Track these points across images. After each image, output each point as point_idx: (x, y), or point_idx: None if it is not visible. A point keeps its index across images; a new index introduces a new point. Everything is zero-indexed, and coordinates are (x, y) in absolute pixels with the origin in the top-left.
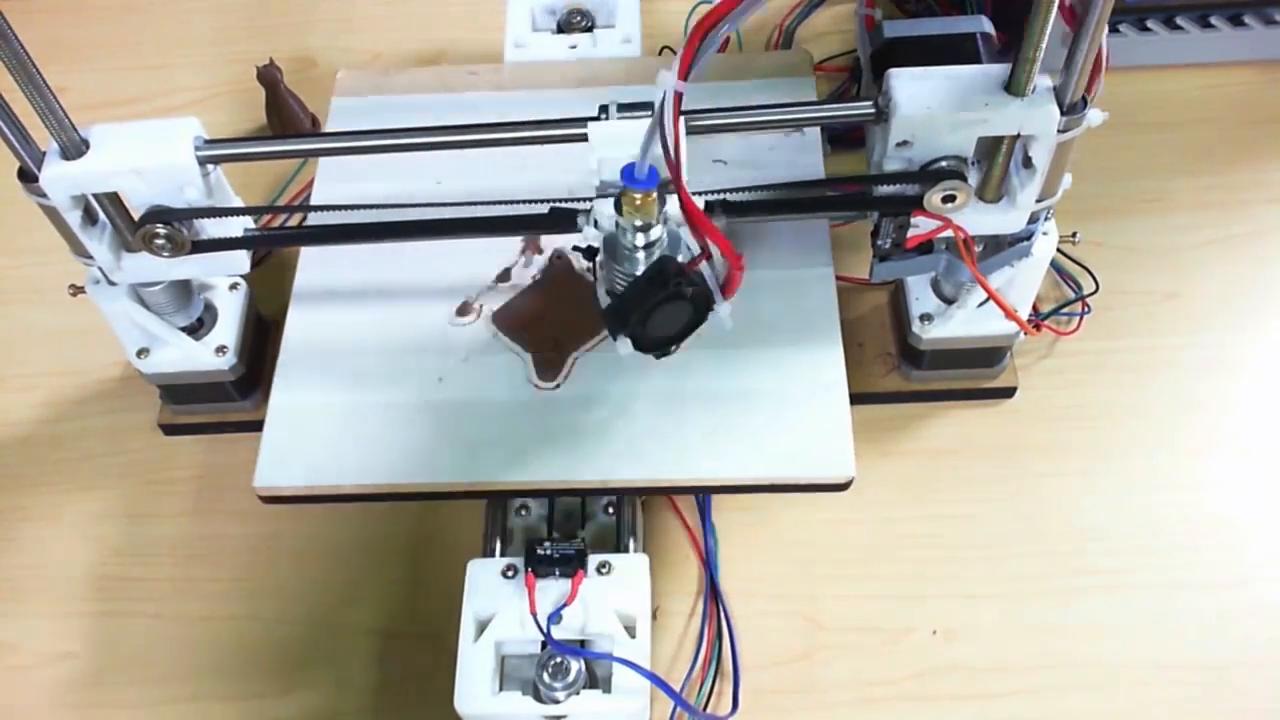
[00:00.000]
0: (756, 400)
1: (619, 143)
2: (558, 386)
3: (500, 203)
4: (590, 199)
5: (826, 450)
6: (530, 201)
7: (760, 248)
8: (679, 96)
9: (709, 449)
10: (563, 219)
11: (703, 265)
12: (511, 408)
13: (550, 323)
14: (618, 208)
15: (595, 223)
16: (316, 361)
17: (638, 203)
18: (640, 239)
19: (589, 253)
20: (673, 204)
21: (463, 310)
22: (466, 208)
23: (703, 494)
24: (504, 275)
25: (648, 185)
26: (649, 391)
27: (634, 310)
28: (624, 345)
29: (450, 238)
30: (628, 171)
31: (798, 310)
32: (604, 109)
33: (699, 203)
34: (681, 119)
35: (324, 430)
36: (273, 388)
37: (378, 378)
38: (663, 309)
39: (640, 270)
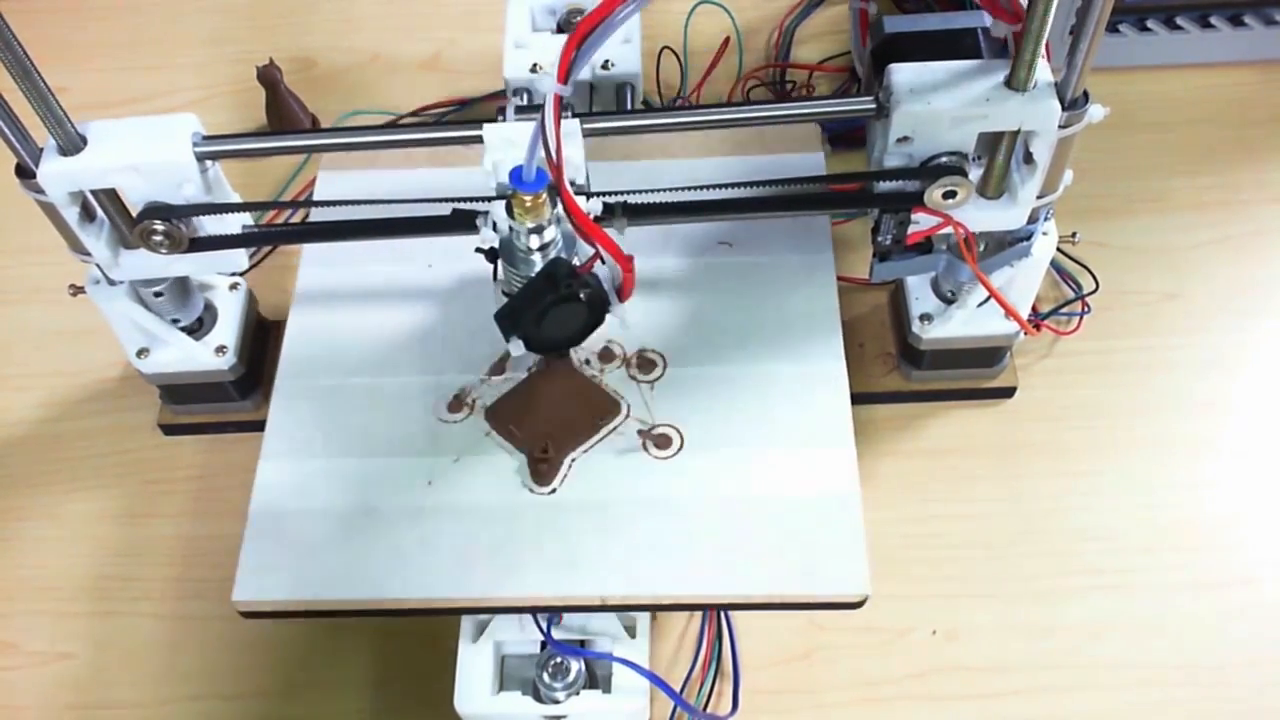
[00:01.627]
0: (765, 509)
1: (512, 144)
2: (553, 491)
3: (433, 200)
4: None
5: (839, 567)
6: (437, 201)
7: (767, 339)
8: (559, 99)
9: (715, 563)
10: (463, 221)
11: (598, 267)
12: (504, 514)
13: (546, 421)
14: (509, 210)
15: (493, 225)
16: (301, 465)
17: (527, 205)
18: (534, 241)
19: (489, 255)
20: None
21: (455, 406)
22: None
23: (709, 610)
24: (498, 366)
25: (535, 187)
26: (650, 497)
27: (525, 311)
28: (516, 346)
29: (428, 235)
30: (515, 174)
31: (807, 410)
32: (501, 110)
33: (596, 205)
34: (576, 120)
35: (307, 540)
36: (254, 492)
37: (365, 481)
38: (555, 310)
39: (530, 272)
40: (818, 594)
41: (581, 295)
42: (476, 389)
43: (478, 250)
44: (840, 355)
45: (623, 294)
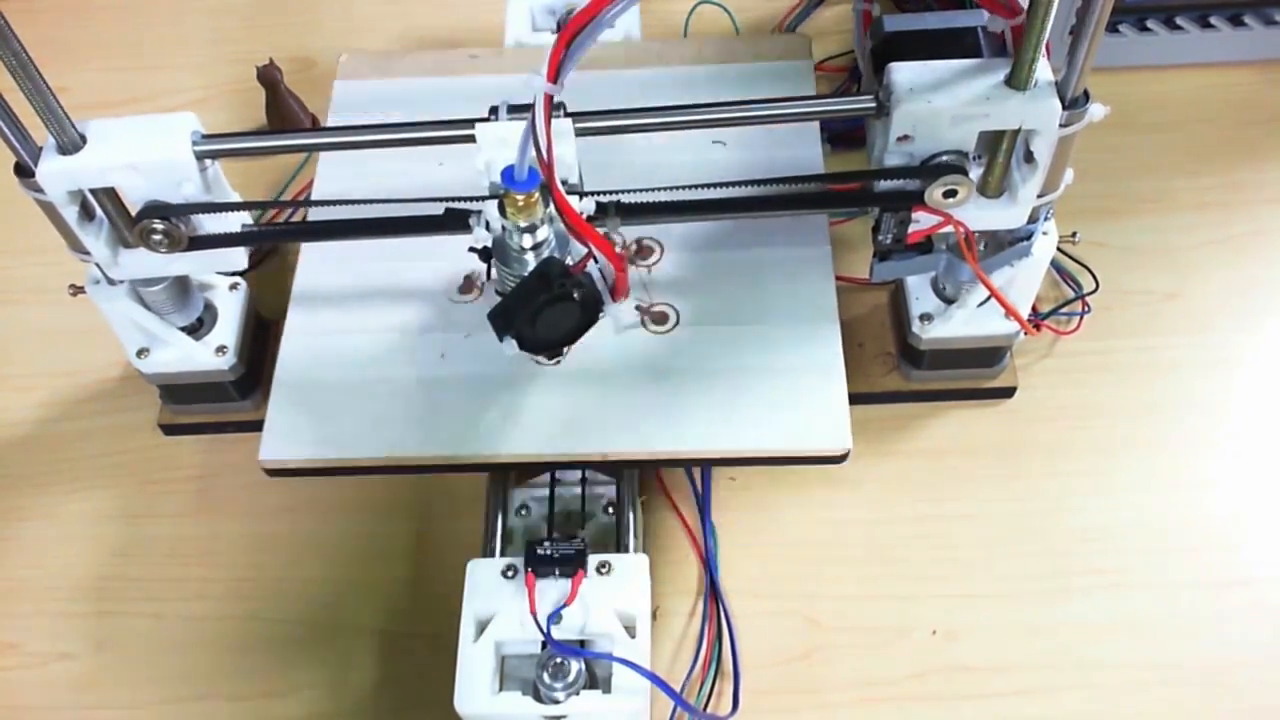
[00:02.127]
0: (754, 376)
1: (505, 144)
2: (558, 362)
3: (426, 200)
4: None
5: (823, 423)
6: (430, 200)
7: (759, 228)
8: (549, 98)
9: (707, 422)
10: (456, 220)
11: (591, 267)
12: (513, 383)
13: None
14: (501, 209)
15: (486, 224)
16: (320, 341)
17: (520, 204)
18: (526, 240)
19: (483, 254)
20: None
21: (465, 288)
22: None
23: (701, 465)
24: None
25: (527, 187)
26: (648, 368)
27: (520, 311)
28: (509, 346)
29: (421, 235)
30: (507, 173)
31: (795, 291)
32: (494, 110)
33: (589, 205)
34: (568, 120)
35: (328, 405)
36: (277, 363)
37: (380, 354)
38: (550, 310)
39: (528, 272)
40: (804, 448)
41: (575, 294)
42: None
43: (471, 250)
44: (826, 240)
45: (616, 293)
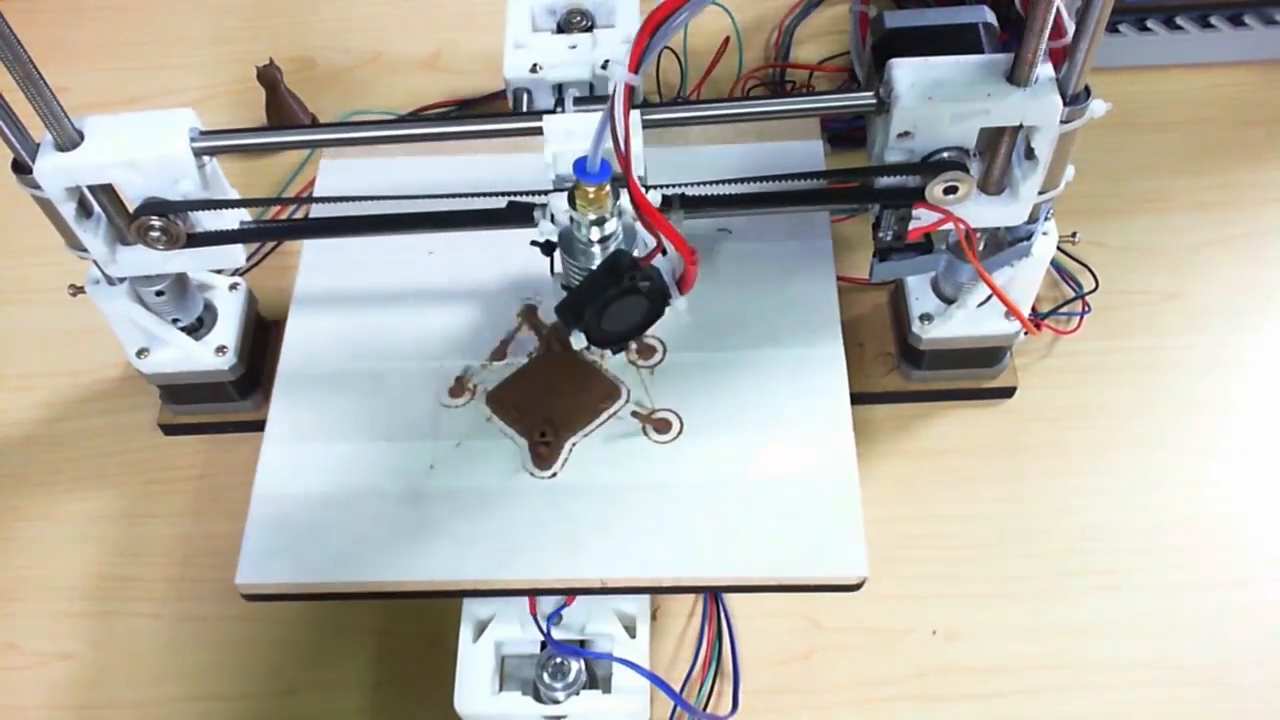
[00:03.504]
0: (764, 492)
1: (573, 136)
2: (554, 475)
3: (488, 194)
4: (548, 193)
5: (838, 549)
6: (491, 195)
7: (765, 324)
8: (629, 89)
9: (714, 546)
10: (520, 213)
11: (659, 259)
12: (505, 497)
13: (546, 405)
14: (571, 202)
15: (551, 217)
16: (303, 448)
17: (590, 196)
18: (595, 233)
19: (546, 247)
20: (627, 198)
21: (456, 391)
22: (460, 200)
23: (709, 593)
24: (500, 351)
25: (599, 178)
26: (650, 482)
27: (588, 304)
28: (578, 339)
29: (434, 230)
30: (580, 165)
31: (806, 394)
32: (560, 101)
33: (655, 197)
34: (636, 112)
35: (309, 524)
36: (256, 478)
37: (366, 466)
38: (617, 303)
39: (593, 264)
40: (817, 576)
41: (643, 287)
42: (478, 374)
43: (533, 243)
44: (839, 340)
45: (684, 285)
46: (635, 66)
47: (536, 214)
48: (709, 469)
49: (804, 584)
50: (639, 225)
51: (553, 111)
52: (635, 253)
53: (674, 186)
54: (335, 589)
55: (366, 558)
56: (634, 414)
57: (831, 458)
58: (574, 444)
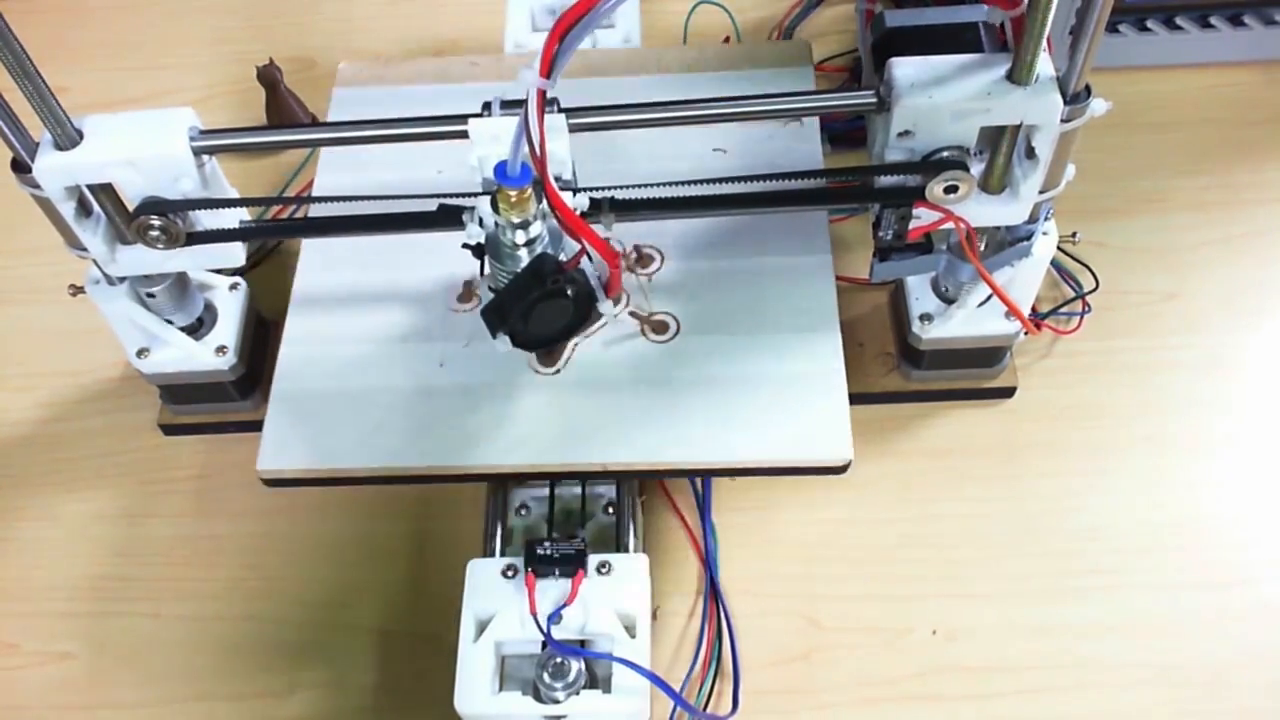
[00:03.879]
0: (755, 385)
1: (498, 140)
2: (558, 372)
3: (422, 196)
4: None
5: (825, 433)
6: (432, 196)
7: (758, 235)
8: (542, 94)
9: (708, 433)
10: (449, 216)
11: (584, 263)
12: (512, 392)
13: None
14: (494, 205)
15: (479, 220)
16: (319, 349)
17: (512, 200)
18: (520, 236)
19: (476, 250)
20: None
21: (464, 296)
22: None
23: (702, 477)
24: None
25: (519, 182)
26: (648, 377)
27: (512, 307)
28: (503, 343)
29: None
30: (500, 169)
31: (796, 299)
32: (487, 105)
33: (582, 201)
34: (562, 115)
35: (326, 415)
36: (275, 373)
37: (379, 364)
38: (542, 306)
39: (521, 268)
40: (805, 458)
41: (568, 291)
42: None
43: (464, 246)
44: (828, 247)
45: (610, 289)
46: (546, 71)
47: (465, 217)
48: (703, 365)
49: (793, 466)
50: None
51: (478, 115)
52: (561, 256)
53: (605, 189)
54: (351, 474)
55: (380, 445)
56: (633, 315)
57: (819, 353)
58: (576, 344)
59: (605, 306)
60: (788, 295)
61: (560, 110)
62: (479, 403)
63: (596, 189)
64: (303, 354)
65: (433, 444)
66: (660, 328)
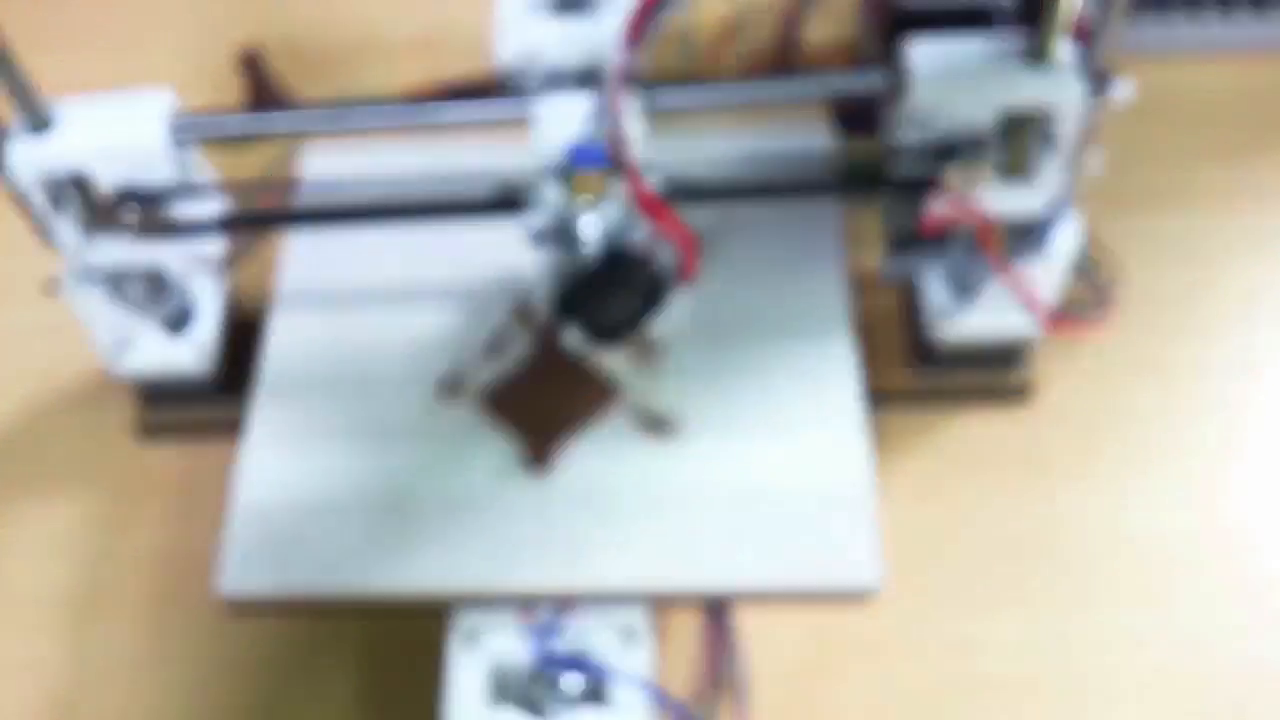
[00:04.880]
0: (770, 498)
1: (568, 120)
2: (549, 479)
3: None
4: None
5: (850, 557)
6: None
7: (770, 321)
8: (623, 71)
9: (718, 553)
10: (508, 200)
11: (658, 250)
12: (500, 502)
13: (542, 405)
14: (565, 189)
15: (544, 205)
16: (287, 451)
17: (586, 183)
18: (590, 221)
19: (539, 237)
20: (622, 185)
21: (450, 390)
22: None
23: (711, 603)
24: (493, 349)
25: (595, 164)
26: (650, 485)
27: (584, 296)
28: (573, 334)
29: (418, 221)
30: (574, 150)
31: (816, 396)
32: (555, 84)
33: (654, 185)
34: (634, 95)
35: (295, 530)
36: (237, 484)
37: (355, 469)
38: (614, 295)
39: (589, 254)
40: (827, 585)
41: (642, 278)
42: (471, 374)
43: (525, 233)
44: (847, 336)
45: (684, 275)
46: (635, 40)
47: (527, 200)
48: (712, 473)
49: (812, 593)
50: (636, 214)
51: (547, 95)
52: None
53: (674, 174)
54: (322, 598)
55: (355, 565)
56: (633, 414)
57: (842, 459)
58: (570, 447)
59: (679, 293)
60: (804, 389)
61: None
62: (462, 515)
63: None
64: (270, 457)
65: (412, 567)
66: (664, 428)
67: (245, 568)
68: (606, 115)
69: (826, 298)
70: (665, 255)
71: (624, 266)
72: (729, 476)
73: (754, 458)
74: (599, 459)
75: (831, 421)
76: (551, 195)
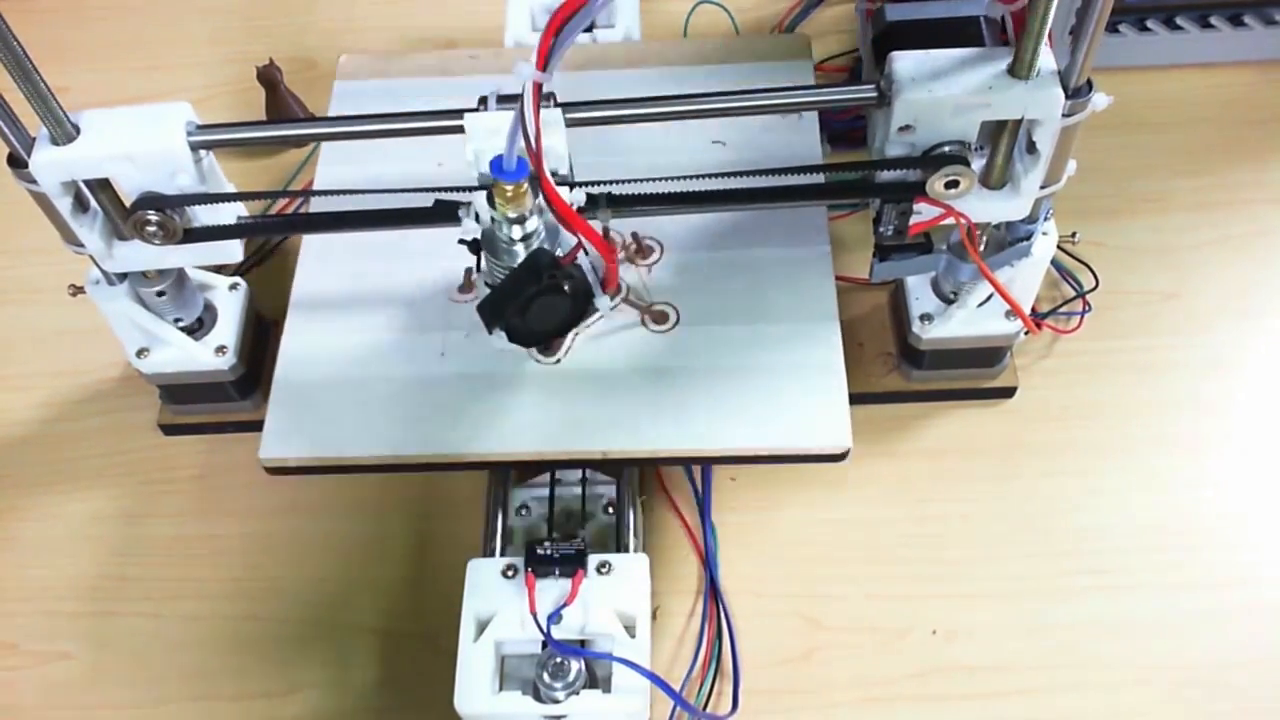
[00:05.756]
0: (755, 375)
1: (495, 134)
2: (558, 361)
3: (417, 191)
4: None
5: (823, 422)
6: (421, 191)
7: (759, 227)
8: (538, 86)
9: (707, 421)
10: (446, 212)
11: (581, 258)
12: (512, 381)
13: None
14: (490, 200)
15: (476, 215)
16: (320, 341)
17: (508, 194)
18: (516, 231)
19: (473, 246)
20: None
21: (465, 287)
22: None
23: (701, 464)
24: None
25: (515, 177)
26: (648, 367)
27: (509, 302)
28: (499, 339)
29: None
30: (496, 164)
31: (796, 290)
32: (484, 100)
33: (579, 196)
34: (558, 110)
35: (328, 404)
36: (277, 363)
37: (380, 353)
38: (539, 302)
39: (511, 263)
40: (804, 446)
41: (565, 286)
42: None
43: (460, 241)
44: (826, 240)
45: (607, 284)
46: (543, 64)
47: (461, 212)
48: (703, 355)
49: (792, 454)
50: (560, 224)
51: (474, 110)
52: (558, 251)
53: (602, 184)
54: (353, 462)
55: (382, 434)
56: (633, 305)
57: (818, 343)
58: (576, 334)
59: (602, 301)
60: (787, 287)
61: (557, 104)
62: (480, 392)
63: (593, 183)
64: (304, 345)
65: (434, 433)
66: (660, 318)
67: (283, 438)
68: (521, 129)
69: (811, 215)
70: (590, 263)
71: (545, 274)
72: (718, 358)
73: (740, 341)
74: (602, 345)
75: (809, 311)
76: (481, 206)
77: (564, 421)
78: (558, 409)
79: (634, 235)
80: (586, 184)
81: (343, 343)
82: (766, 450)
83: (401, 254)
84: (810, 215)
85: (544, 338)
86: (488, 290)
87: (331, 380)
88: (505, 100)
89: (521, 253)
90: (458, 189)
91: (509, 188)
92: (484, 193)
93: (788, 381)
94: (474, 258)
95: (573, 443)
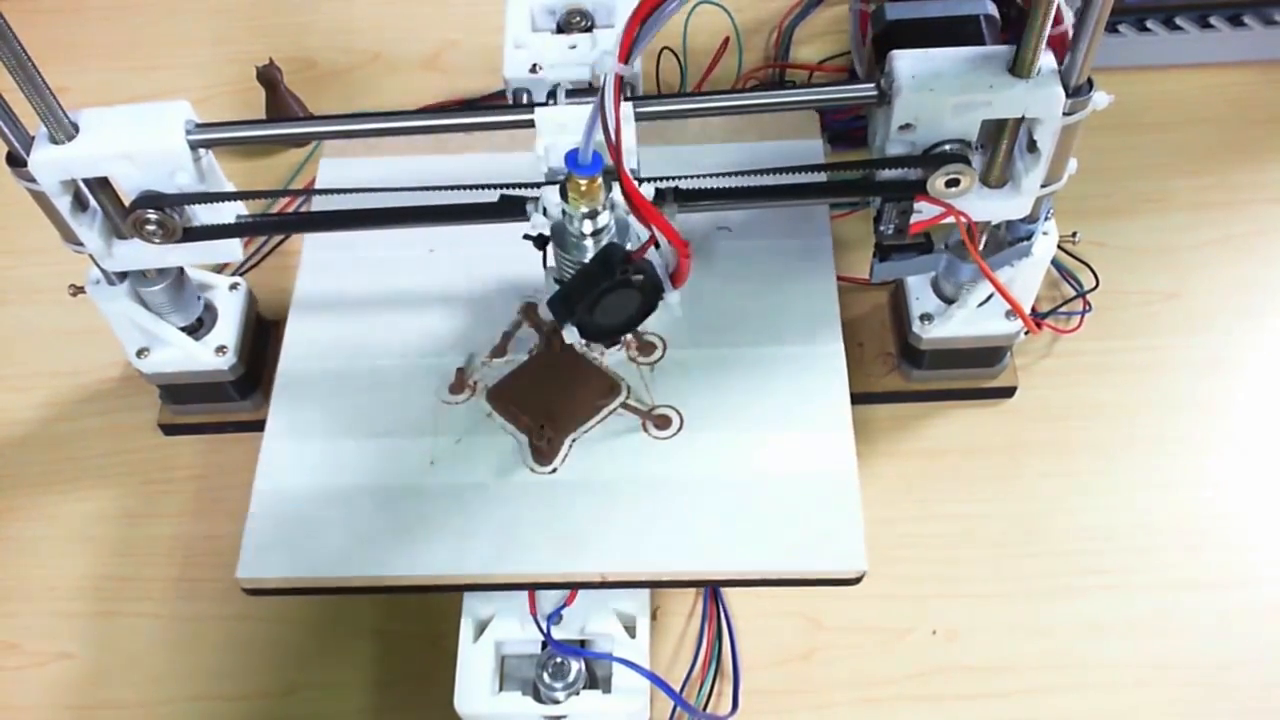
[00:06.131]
0: (763, 487)
1: (565, 129)
2: (554, 471)
3: (482, 187)
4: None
5: (837, 542)
6: (486, 187)
7: (767, 320)
8: (619, 79)
9: (712, 541)
10: (512, 207)
11: (651, 253)
12: (505, 493)
13: (546, 402)
14: (563, 194)
15: (544, 210)
16: (303, 444)
17: (582, 189)
18: (587, 226)
19: (539, 241)
20: (619, 191)
21: (456, 387)
22: (459, 193)
23: (708, 587)
24: (500, 348)
25: (591, 171)
26: (650, 477)
27: (580, 297)
28: (570, 333)
29: (428, 224)
30: (571, 157)
31: (806, 393)
32: (552, 94)
33: (648, 190)
34: (628, 104)
35: (310, 518)
36: (256, 473)
37: (367, 462)
38: (610, 297)
39: (585, 257)
40: (816, 570)
41: (636, 281)
42: (478, 370)
43: (526, 237)
44: (838, 337)
45: (677, 279)
46: (625, 56)
47: (529, 207)
48: (708, 464)
49: (803, 578)
50: (631, 218)
51: (545, 104)
52: (628, 246)
53: (668, 180)
54: (334, 584)
55: (366, 552)
56: (633, 410)
57: (830, 453)
58: (574, 440)
59: (672, 297)
60: (796, 387)
61: (629, 98)
62: (470, 506)
63: (660, 179)
64: (286, 451)
65: (421, 554)
66: (662, 423)
67: (261, 555)
68: (601, 122)
69: (820, 299)
70: (660, 259)
71: (617, 269)
72: (724, 468)
73: (747, 450)
74: (601, 452)
75: (820, 417)
76: (550, 201)
77: (560, 540)
78: (553, 526)
79: (634, 332)
80: (654, 179)
81: (327, 451)
82: (775, 574)
83: (392, 350)
84: (819, 302)
85: (614, 333)
86: (556, 286)
87: (314, 491)
88: (574, 95)
89: (592, 247)
90: (460, 188)
91: (584, 182)
92: (553, 187)
93: (798, 496)
94: (466, 355)
95: (569, 565)
